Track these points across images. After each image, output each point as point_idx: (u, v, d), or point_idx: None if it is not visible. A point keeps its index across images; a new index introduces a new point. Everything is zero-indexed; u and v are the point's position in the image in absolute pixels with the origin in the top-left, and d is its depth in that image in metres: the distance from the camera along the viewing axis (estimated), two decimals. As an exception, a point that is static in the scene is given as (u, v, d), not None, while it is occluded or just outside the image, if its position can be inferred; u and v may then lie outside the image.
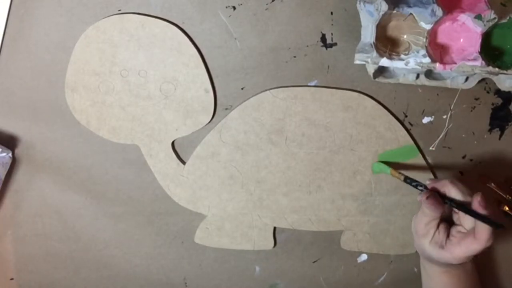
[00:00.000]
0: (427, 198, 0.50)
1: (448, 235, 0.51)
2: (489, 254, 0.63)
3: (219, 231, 0.62)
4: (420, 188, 0.52)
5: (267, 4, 0.55)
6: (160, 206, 0.62)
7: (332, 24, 0.56)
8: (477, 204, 0.48)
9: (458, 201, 0.50)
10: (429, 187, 0.52)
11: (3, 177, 0.59)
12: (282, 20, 0.56)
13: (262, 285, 0.65)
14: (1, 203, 0.61)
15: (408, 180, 0.53)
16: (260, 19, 0.56)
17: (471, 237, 0.48)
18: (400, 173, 0.55)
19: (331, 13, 0.55)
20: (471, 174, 0.61)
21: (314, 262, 0.64)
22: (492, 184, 0.61)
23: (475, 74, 0.53)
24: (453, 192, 0.50)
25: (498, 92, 0.58)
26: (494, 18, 0.51)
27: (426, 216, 0.51)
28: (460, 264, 0.51)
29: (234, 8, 0.55)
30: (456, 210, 0.51)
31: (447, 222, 0.52)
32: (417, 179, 0.53)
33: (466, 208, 0.49)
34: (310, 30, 0.56)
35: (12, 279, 0.64)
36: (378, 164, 0.58)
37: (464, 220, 0.50)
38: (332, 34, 0.56)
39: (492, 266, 0.64)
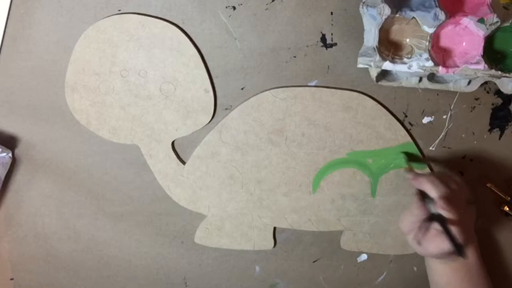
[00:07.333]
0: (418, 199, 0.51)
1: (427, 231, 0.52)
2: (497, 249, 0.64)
3: (219, 231, 0.62)
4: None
5: (267, 4, 0.55)
6: (160, 206, 0.62)
7: (332, 24, 0.56)
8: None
9: (437, 216, 0.50)
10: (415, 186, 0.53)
11: (3, 177, 0.59)
12: (282, 20, 0.56)
13: (262, 285, 0.65)
14: (1, 203, 0.61)
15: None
16: (260, 19, 0.55)
17: (443, 235, 0.49)
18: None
19: (331, 13, 0.55)
20: (471, 174, 0.61)
21: (314, 262, 0.64)
22: (492, 184, 0.61)
23: (477, 77, 0.53)
24: (431, 191, 0.51)
25: (498, 92, 0.58)
26: (497, 22, 0.51)
27: (412, 216, 0.52)
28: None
29: (234, 8, 0.55)
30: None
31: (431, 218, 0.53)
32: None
33: (444, 225, 0.49)
34: (310, 30, 0.56)
35: (12, 279, 0.64)
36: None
37: None
38: (332, 34, 0.56)
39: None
